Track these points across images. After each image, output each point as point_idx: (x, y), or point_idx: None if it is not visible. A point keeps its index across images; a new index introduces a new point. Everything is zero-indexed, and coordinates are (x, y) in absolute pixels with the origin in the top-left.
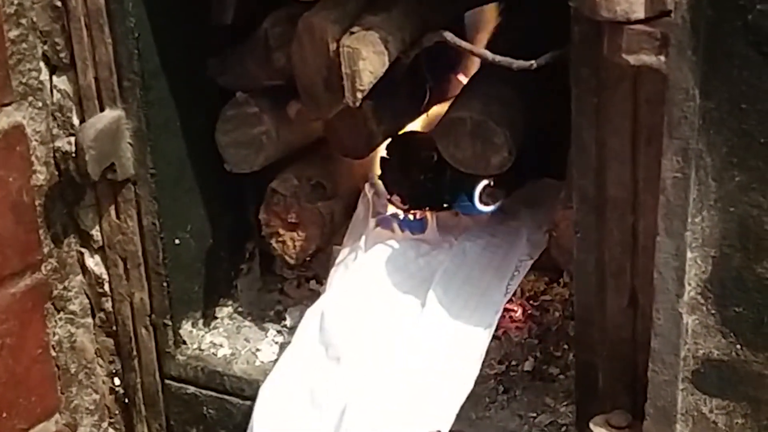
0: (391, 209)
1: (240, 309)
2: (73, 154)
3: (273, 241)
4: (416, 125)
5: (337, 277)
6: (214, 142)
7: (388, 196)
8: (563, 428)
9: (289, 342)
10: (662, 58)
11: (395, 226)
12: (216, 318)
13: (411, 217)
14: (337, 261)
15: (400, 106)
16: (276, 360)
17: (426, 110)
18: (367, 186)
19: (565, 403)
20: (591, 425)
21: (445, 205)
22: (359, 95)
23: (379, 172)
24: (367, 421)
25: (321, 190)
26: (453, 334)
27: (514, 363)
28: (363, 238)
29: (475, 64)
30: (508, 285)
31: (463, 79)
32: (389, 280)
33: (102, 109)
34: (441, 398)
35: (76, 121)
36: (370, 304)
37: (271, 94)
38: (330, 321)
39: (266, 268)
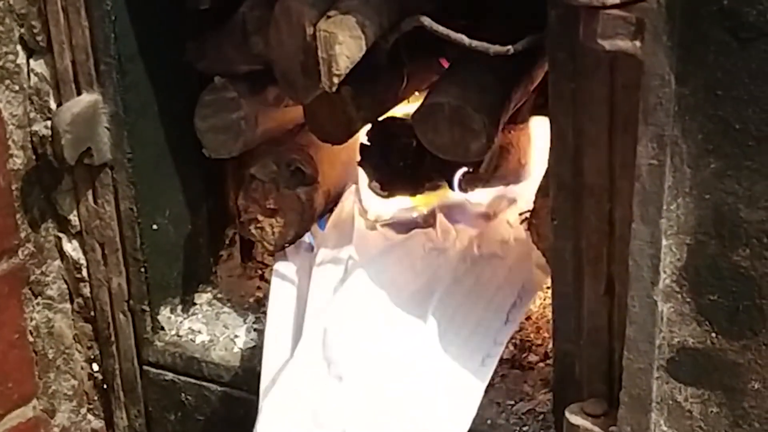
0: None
1: (219, 295)
2: (50, 138)
3: (252, 228)
4: (398, 111)
5: (319, 276)
6: (193, 127)
7: (370, 181)
8: (541, 416)
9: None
10: (637, 43)
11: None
12: (195, 304)
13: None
14: (319, 261)
15: (380, 92)
16: (253, 347)
17: (404, 96)
18: (353, 188)
19: (543, 391)
20: (566, 413)
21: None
22: (335, 80)
23: (359, 158)
24: None
25: (300, 176)
26: (451, 365)
27: None
28: (353, 242)
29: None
30: (509, 313)
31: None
32: (394, 285)
33: (79, 93)
34: (442, 426)
35: (53, 104)
36: (374, 316)
37: (249, 79)
38: (333, 337)
39: (247, 255)
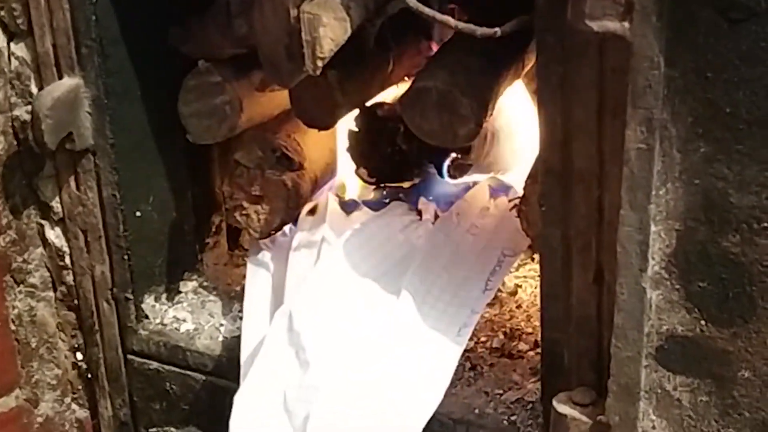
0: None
1: (205, 284)
2: (31, 123)
3: (237, 214)
4: (387, 96)
5: (295, 261)
6: (176, 112)
7: (357, 167)
8: (529, 405)
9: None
10: (626, 24)
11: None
12: (180, 292)
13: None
14: (295, 245)
15: (366, 76)
16: (239, 336)
17: (392, 80)
18: (331, 189)
19: (532, 380)
20: (554, 402)
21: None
22: (319, 63)
23: (347, 144)
24: (329, 430)
25: (286, 162)
26: (425, 338)
27: (483, 339)
28: (326, 224)
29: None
30: (488, 281)
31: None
32: (369, 261)
33: (60, 77)
34: (407, 412)
35: (34, 89)
36: (342, 298)
37: (234, 63)
38: (299, 322)
39: (234, 242)
